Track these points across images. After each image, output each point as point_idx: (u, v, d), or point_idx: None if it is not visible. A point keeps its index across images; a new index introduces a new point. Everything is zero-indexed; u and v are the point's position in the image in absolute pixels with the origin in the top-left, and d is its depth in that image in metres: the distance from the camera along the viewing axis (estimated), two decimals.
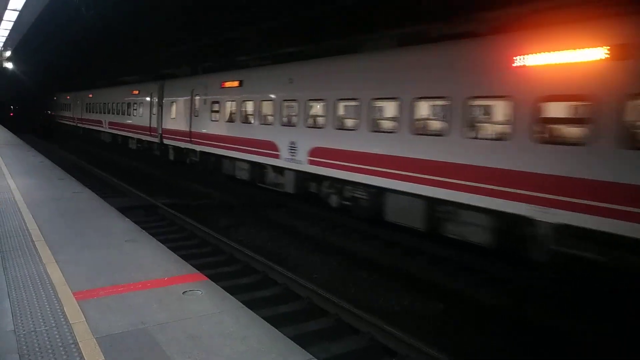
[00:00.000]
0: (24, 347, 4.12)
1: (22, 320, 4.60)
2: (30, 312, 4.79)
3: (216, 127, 17.87)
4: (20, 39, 21.29)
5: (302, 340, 5.24)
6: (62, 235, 7.61)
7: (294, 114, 13.80)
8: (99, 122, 32.24)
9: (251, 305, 5.67)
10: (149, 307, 5.03)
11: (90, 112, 34.85)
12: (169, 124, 21.96)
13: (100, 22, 17.70)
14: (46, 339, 4.28)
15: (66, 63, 32.66)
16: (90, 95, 35.08)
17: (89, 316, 4.73)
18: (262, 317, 5.09)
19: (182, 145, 20.59)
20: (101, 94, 32.54)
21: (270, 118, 14.88)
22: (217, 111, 17.80)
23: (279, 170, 14.48)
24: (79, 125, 38.36)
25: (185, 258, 7.29)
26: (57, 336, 4.32)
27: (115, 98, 29.56)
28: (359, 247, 11.28)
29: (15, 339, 4.24)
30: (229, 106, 17.10)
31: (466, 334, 7.27)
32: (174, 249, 7.81)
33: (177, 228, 12.18)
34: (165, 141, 22.31)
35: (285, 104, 14.08)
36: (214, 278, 6.77)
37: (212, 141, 18.18)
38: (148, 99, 24.42)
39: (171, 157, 22.26)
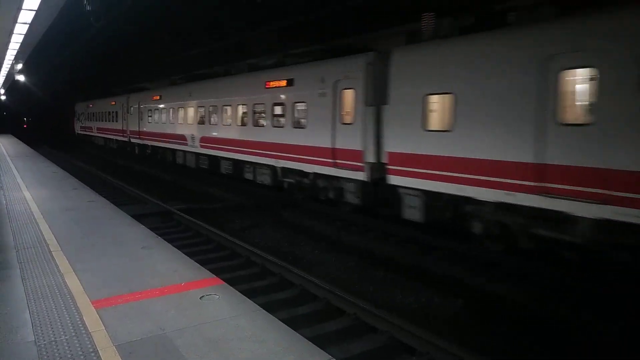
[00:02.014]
0: (45, 358, 4.15)
1: (42, 331, 4.64)
2: (50, 322, 4.83)
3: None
4: (31, 51, 21.54)
5: (320, 341, 5.23)
6: (79, 244, 7.68)
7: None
8: (181, 139, 22.42)
9: (268, 307, 5.67)
10: (167, 313, 5.04)
11: (162, 122, 24.97)
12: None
13: (111, 32, 17.91)
14: (66, 348, 4.30)
15: (81, 72, 33.09)
16: (156, 98, 25.80)
17: (108, 324, 4.75)
18: (280, 320, 5.08)
19: None
20: (199, 91, 21.19)
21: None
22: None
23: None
24: (134, 140, 29.49)
25: (202, 263, 7.32)
26: (77, 345, 4.35)
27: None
28: (375, 245, 11.22)
29: (36, 350, 4.27)
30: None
31: (486, 330, 7.19)
32: (190, 254, 7.84)
33: (193, 233, 12.23)
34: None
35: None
36: (231, 282, 6.77)
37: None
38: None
39: None
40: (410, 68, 10.78)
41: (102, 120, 37.43)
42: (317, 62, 13.82)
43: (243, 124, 17.15)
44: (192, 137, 21.01)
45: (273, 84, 15.31)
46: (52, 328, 4.69)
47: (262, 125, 15.91)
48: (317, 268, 9.84)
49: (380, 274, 9.51)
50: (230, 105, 18.03)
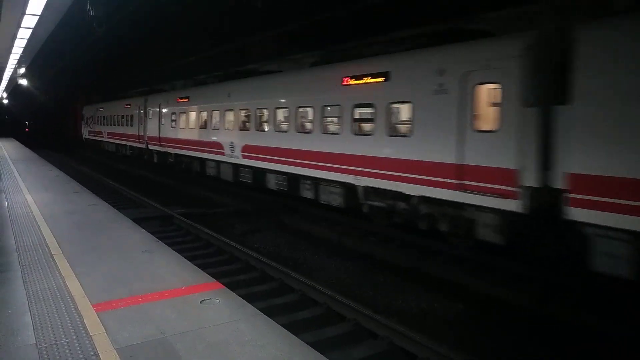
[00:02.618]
0: None
1: (43, 334, 4.65)
2: (51, 325, 4.84)
3: None
4: (34, 55, 21.69)
5: (320, 346, 5.22)
6: (80, 247, 7.69)
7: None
8: (215, 147, 18.97)
9: (268, 312, 5.68)
10: (167, 317, 5.05)
11: (190, 127, 21.47)
12: None
13: (112, 38, 17.99)
14: (67, 351, 4.31)
15: (84, 76, 32.85)
16: (183, 99, 22.30)
17: (108, 327, 4.76)
18: (280, 324, 5.08)
19: None
20: (242, 91, 17.78)
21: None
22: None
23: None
24: (153, 147, 26.07)
25: (202, 267, 7.32)
26: (78, 348, 4.36)
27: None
28: (376, 250, 11.23)
29: (37, 353, 4.28)
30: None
31: (486, 333, 7.19)
32: (190, 259, 7.86)
33: (193, 237, 12.24)
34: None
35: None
36: (231, 286, 6.78)
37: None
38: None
39: None
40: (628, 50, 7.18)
41: (114, 125, 33.76)
42: (429, 50, 10.50)
43: (305, 130, 13.94)
44: (231, 146, 17.50)
45: (354, 80, 12.03)
46: (53, 331, 4.70)
47: (335, 133, 12.60)
48: (317, 273, 9.86)
49: (381, 279, 9.52)
50: (286, 108, 14.74)
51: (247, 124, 16.82)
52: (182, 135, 22.26)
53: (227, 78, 19.56)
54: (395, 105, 11.12)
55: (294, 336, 4.75)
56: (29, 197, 12.40)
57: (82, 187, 15.15)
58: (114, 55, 25.75)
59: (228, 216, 15.08)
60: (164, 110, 24.33)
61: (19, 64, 22.56)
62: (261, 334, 4.71)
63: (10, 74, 27.06)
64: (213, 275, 7.00)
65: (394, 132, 10.99)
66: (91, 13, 14.29)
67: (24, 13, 11.46)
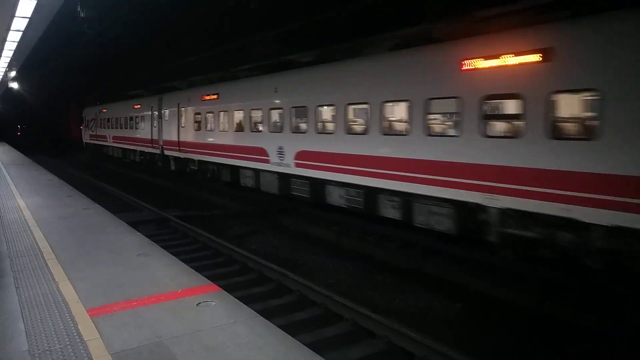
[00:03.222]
0: None
1: (36, 340, 4.57)
2: (45, 331, 4.76)
3: None
4: (24, 59, 21.54)
5: (318, 347, 5.19)
6: (74, 252, 7.60)
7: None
8: (257, 154, 15.85)
9: (266, 314, 5.62)
10: (163, 320, 4.99)
11: (220, 130, 18.32)
12: None
13: (105, 39, 17.83)
14: (61, 357, 4.24)
15: (76, 78, 32.24)
16: (211, 96, 19.19)
17: (103, 332, 4.69)
18: (278, 326, 5.03)
19: None
20: (295, 85, 14.91)
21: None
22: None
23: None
24: (170, 153, 23.08)
25: (199, 269, 7.26)
26: (72, 354, 4.29)
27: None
28: (374, 250, 11.19)
29: (30, 359, 4.21)
30: None
31: (486, 333, 7.16)
32: (186, 261, 7.79)
33: (190, 240, 12.16)
34: None
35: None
36: (228, 288, 6.72)
37: None
38: None
39: None
40: None
41: (121, 128, 30.44)
42: None
43: (395, 132, 11.13)
44: (280, 151, 14.45)
45: (483, 63, 8.97)
46: (46, 337, 4.63)
47: (449, 135, 9.95)
48: (316, 273, 9.82)
49: (380, 279, 9.48)
50: (364, 104, 11.67)
51: (304, 125, 13.79)
52: (208, 138, 19.07)
53: (272, 70, 16.40)
54: (562, 96, 8.08)
55: (291, 337, 4.70)
56: (21, 202, 12.27)
57: (76, 191, 15.03)
58: (110, 55, 24.49)
59: (226, 218, 15.01)
60: (184, 111, 21.28)
61: (10, 67, 22.39)
62: (258, 335, 4.66)
63: (1, 77, 26.87)
64: (210, 277, 6.94)
65: (563, 134, 8.03)
66: (82, 15, 14.18)
67: (13, 16, 11.35)
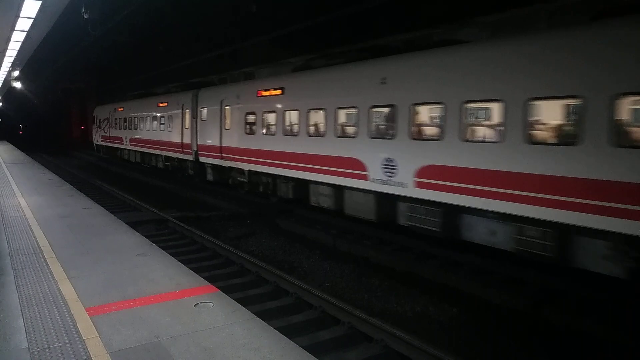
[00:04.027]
0: None
1: (35, 338, 4.62)
2: (44, 329, 4.81)
3: None
4: (28, 58, 21.64)
5: (315, 350, 5.23)
6: (73, 251, 7.66)
7: None
8: (348, 166, 11.93)
9: (263, 315, 5.67)
10: (161, 320, 5.04)
11: (294, 133, 14.02)
12: None
13: (107, 40, 17.83)
14: (60, 355, 4.29)
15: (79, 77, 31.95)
16: (272, 93, 15.05)
17: (102, 331, 4.74)
18: (274, 328, 5.08)
19: None
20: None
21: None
22: None
23: None
24: (207, 159, 19.27)
25: (197, 270, 7.31)
26: (70, 352, 4.34)
27: None
28: (371, 253, 11.23)
29: (29, 357, 4.26)
30: None
31: (481, 337, 7.20)
32: (185, 262, 7.84)
33: (188, 241, 12.21)
34: None
35: None
36: (226, 290, 6.78)
37: None
38: None
39: None
40: None
41: (140, 129, 26.54)
42: None
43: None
44: (388, 165, 10.65)
45: None
46: (45, 335, 4.68)
47: None
48: (312, 276, 9.86)
49: (376, 282, 9.52)
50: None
51: (433, 129, 10.25)
52: (266, 144, 15.11)
53: (375, 54, 12.11)
54: None
55: (288, 339, 4.75)
56: (22, 201, 12.34)
57: (77, 190, 15.09)
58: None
59: (223, 219, 15.05)
60: (230, 109, 17.39)
61: (13, 66, 22.48)
62: (255, 337, 4.70)
63: (5, 77, 26.98)
64: (208, 278, 6.99)
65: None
66: (86, 16, 14.24)
67: (18, 16, 11.43)
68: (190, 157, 20.55)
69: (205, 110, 19.28)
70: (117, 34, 17.78)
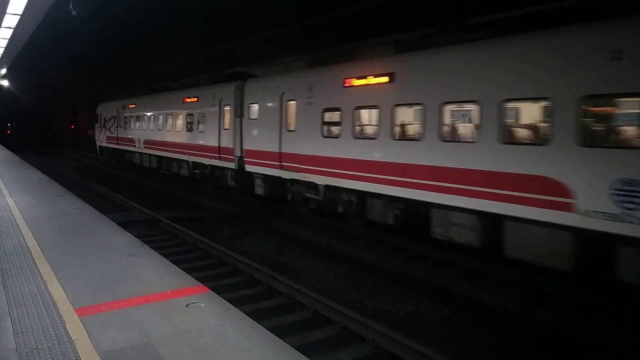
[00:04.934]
0: None
1: (23, 338, 4.54)
2: (32, 329, 4.73)
3: None
4: (15, 56, 21.39)
5: (307, 350, 5.20)
6: (63, 251, 7.56)
7: None
8: (529, 189, 7.96)
9: (255, 316, 5.62)
10: (151, 320, 4.98)
11: (390, 138, 10.63)
12: None
13: (97, 37, 17.56)
14: (48, 356, 4.22)
15: (67, 77, 31.44)
16: (375, 80, 11.01)
17: (91, 332, 4.67)
18: (266, 328, 5.04)
19: None
20: None
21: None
22: None
23: None
24: (256, 169, 15.61)
25: (188, 271, 7.24)
26: (59, 353, 4.27)
27: None
28: (364, 253, 11.22)
29: (17, 358, 4.18)
30: None
31: (473, 338, 7.21)
32: (176, 262, 7.76)
33: (180, 241, 12.13)
34: None
35: None
36: (217, 290, 6.72)
37: None
38: None
39: None
40: None
41: (159, 129, 22.83)
42: None
43: None
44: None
45: None
46: (34, 336, 4.60)
47: None
48: (305, 276, 9.83)
49: (369, 282, 9.51)
50: None
51: None
52: (360, 152, 11.45)
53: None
54: None
55: (280, 339, 4.71)
56: (10, 201, 12.17)
57: (67, 190, 14.93)
58: (103, 55, 22.25)
59: (216, 220, 14.97)
60: (295, 105, 13.77)
61: (0, 64, 22.22)
62: (247, 337, 4.66)
63: None
64: (199, 279, 6.93)
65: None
66: (74, 13, 14.06)
67: (4, 12, 11.30)
68: (232, 165, 16.75)
69: (255, 107, 15.57)
70: (111, 30, 17.46)
